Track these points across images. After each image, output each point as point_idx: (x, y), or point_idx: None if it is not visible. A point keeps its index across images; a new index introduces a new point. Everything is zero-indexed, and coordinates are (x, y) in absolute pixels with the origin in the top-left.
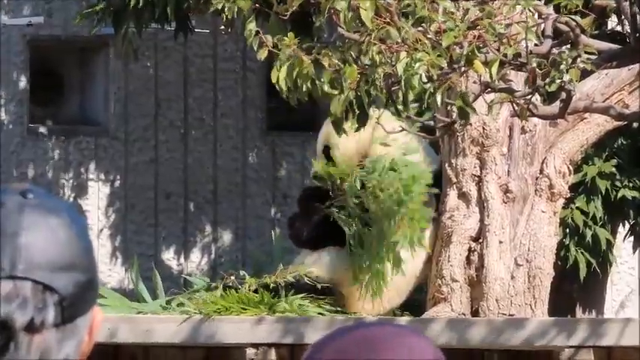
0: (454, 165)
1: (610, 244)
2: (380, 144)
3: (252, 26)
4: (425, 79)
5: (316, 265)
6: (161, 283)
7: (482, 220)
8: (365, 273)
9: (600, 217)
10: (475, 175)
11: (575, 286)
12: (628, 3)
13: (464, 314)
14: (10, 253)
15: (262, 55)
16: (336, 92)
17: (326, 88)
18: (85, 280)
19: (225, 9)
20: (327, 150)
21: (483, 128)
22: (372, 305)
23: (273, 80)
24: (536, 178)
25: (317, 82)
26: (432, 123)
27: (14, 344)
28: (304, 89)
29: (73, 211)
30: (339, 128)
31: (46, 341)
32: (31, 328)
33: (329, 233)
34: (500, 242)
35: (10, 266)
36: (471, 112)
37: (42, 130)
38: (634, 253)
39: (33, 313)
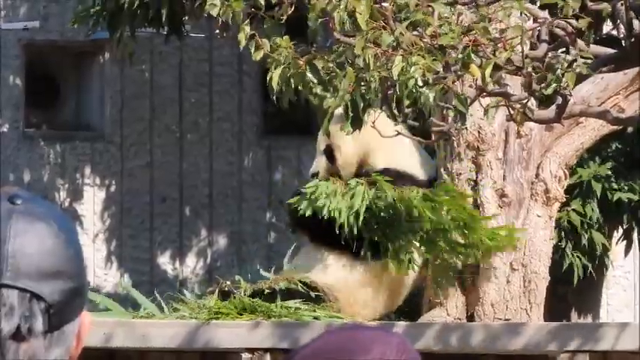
0: (450, 169)
1: (606, 248)
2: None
3: (247, 29)
4: (420, 83)
5: (311, 269)
6: (139, 295)
7: None
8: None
9: (597, 220)
10: (471, 180)
11: (571, 291)
12: (623, 7)
13: (459, 319)
14: None
15: (257, 56)
16: (328, 95)
17: (318, 90)
18: (73, 287)
19: (220, 12)
20: (328, 150)
21: (479, 132)
22: (367, 310)
23: (269, 82)
24: (532, 183)
25: (311, 84)
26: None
27: (1, 352)
28: (295, 89)
29: (62, 217)
30: (329, 131)
31: (33, 349)
32: (18, 336)
33: (324, 230)
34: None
35: None
36: (465, 110)
37: (37, 134)
38: (625, 257)
39: (19, 321)
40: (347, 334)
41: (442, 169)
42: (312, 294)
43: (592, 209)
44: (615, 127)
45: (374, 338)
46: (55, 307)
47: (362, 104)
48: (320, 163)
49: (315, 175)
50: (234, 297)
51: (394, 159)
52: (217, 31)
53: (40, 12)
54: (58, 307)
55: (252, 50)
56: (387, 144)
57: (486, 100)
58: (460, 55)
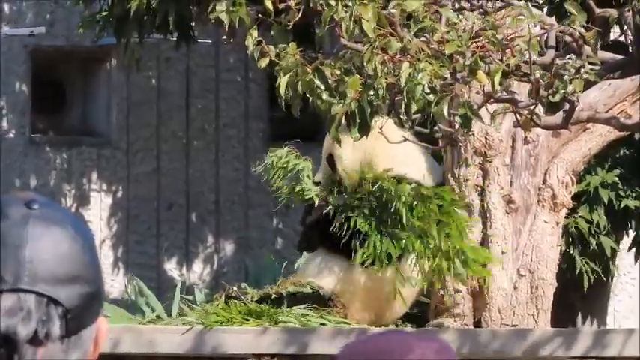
0: (457, 175)
1: (614, 253)
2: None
3: (254, 35)
4: (428, 90)
5: (317, 275)
6: (154, 296)
7: (484, 231)
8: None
9: (604, 226)
10: (478, 186)
11: (578, 297)
12: (630, 13)
13: (467, 325)
14: (14, 266)
15: (262, 63)
16: (335, 101)
17: (325, 96)
18: (90, 292)
19: (230, 12)
20: (330, 159)
21: (486, 139)
22: (374, 316)
23: (277, 88)
24: (539, 189)
25: (317, 90)
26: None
27: (18, 357)
28: (302, 95)
29: (78, 223)
30: (337, 137)
31: (50, 353)
32: (36, 340)
33: (321, 234)
34: (503, 253)
35: (14, 279)
36: (475, 118)
37: (44, 140)
38: (635, 263)
39: (37, 325)
40: (386, 337)
41: (449, 176)
42: (321, 292)
43: (599, 216)
44: (622, 133)
45: (413, 341)
46: (73, 312)
47: (369, 110)
48: (323, 172)
49: (319, 183)
50: (241, 302)
51: (397, 166)
52: (224, 36)
53: (47, 18)
54: (76, 311)
55: (257, 57)
56: (391, 151)
57: (494, 106)
58: (468, 62)
